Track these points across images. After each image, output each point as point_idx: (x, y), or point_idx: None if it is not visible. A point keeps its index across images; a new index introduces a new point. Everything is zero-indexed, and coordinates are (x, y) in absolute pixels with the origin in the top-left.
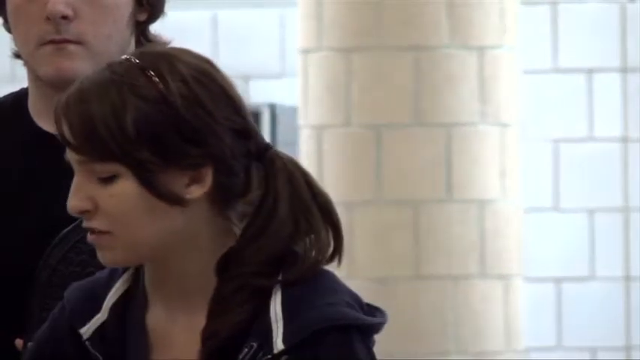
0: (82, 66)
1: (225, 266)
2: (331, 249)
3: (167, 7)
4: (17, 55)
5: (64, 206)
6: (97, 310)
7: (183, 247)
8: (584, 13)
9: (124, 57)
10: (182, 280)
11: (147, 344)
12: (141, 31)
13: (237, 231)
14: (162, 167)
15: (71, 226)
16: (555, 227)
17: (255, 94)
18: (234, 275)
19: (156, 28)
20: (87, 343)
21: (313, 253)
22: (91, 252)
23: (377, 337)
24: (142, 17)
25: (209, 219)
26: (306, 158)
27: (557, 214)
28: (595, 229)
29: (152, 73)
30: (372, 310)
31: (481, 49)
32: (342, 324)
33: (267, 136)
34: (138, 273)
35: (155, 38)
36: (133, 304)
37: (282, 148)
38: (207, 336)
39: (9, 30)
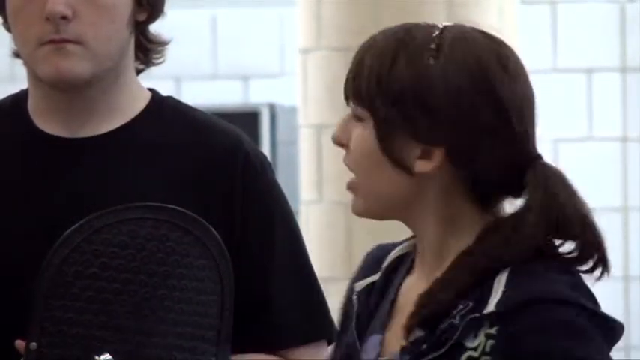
0: (81, 66)
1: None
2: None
3: (167, 7)
4: (17, 55)
5: (64, 206)
6: (377, 270)
7: (435, 223)
8: (583, 12)
9: (438, 24)
10: (441, 255)
11: (390, 309)
12: (140, 31)
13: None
14: (399, 130)
15: (75, 227)
16: None
17: (254, 93)
18: (474, 253)
19: (155, 27)
20: (354, 296)
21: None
22: (94, 252)
23: None
24: (142, 17)
25: (463, 206)
26: (305, 158)
27: None
28: None
29: (435, 45)
30: (609, 319)
31: None
32: (555, 298)
33: (266, 136)
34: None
35: (155, 38)
36: (401, 269)
37: (281, 147)
38: (422, 299)
39: (9, 30)
